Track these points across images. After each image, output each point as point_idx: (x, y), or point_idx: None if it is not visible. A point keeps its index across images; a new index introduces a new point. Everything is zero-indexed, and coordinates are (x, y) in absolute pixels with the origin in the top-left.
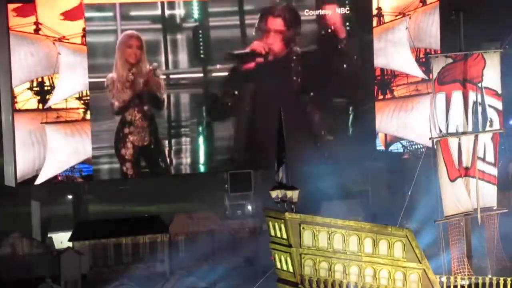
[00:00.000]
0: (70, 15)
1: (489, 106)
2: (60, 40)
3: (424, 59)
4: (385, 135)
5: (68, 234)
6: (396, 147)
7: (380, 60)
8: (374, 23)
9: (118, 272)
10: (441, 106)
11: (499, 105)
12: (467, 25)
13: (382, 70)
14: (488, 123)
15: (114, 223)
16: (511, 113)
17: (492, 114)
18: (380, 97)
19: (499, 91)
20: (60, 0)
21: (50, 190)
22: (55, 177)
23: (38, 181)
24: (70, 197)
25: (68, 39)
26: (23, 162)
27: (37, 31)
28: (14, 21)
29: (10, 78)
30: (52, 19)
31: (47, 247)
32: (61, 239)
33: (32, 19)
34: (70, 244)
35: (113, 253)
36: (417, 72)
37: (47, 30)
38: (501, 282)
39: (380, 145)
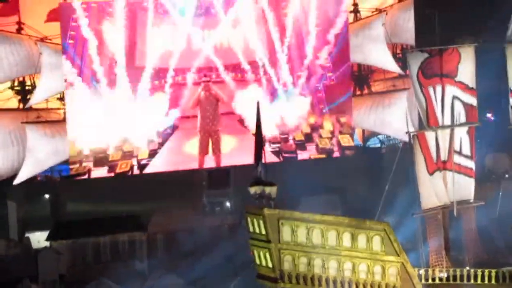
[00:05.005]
0: (52, 15)
1: (463, 100)
2: (42, 40)
3: (400, 55)
4: (363, 130)
5: (45, 234)
6: (373, 142)
7: (357, 56)
8: (351, 19)
9: (97, 271)
10: (421, 101)
11: (473, 99)
12: (443, 20)
13: (359, 65)
14: (464, 117)
15: (92, 223)
16: (489, 107)
17: (466, 108)
18: (358, 92)
19: (474, 86)
20: (43, 0)
21: (28, 190)
22: (34, 177)
23: (16, 181)
24: (47, 196)
25: (50, 40)
26: (2, 162)
27: (19, 30)
28: None
29: None
30: (35, 20)
31: (24, 247)
32: (39, 238)
33: (14, 18)
34: (47, 243)
35: (91, 252)
36: (394, 67)
37: (29, 30)
38: (479, 274)
39: (358, 140)
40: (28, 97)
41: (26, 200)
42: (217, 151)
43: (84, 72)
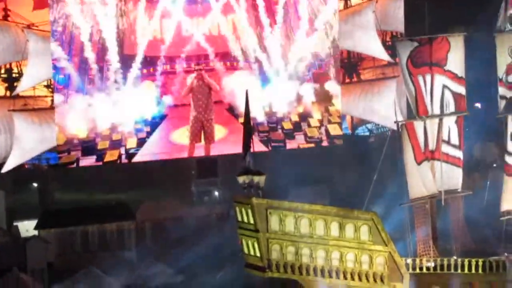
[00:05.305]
0: (39, 2)
1: (452, 89)
2: (29, 27)
3: (390, 43)
4: (352, 118)
5: (34, 223)
6: (362, 131)
7: (347, 43)
8: (341, 6)
9: (85, 260)
10: (411, 90)
11: (462, 88)
12: (432, 9)
13: (348, 52)
14: (453, 106)
15: (81, 211)
16: (478, 97)
17: (455, 97)
18: (347, 80)
19: (463, 75)
20: None
21: (16, 179)
22: (22, 165)
23: (4, 169)
24: (36, 185)
25: (37, 26)
26: None
27: (5, 17)
28: None
29: None
30: (22, 7)
31: (13, 236)
32: (27, 227)
33: (1, 5)
34: (36, 232)
35: (80, 241)
36: (383, 55)
37: (16, 17)
38: (466, 263)
39: (347, 129)
40: (15, 84)
41: (14, 189)
42: (210, 139)
43: (73, 60)
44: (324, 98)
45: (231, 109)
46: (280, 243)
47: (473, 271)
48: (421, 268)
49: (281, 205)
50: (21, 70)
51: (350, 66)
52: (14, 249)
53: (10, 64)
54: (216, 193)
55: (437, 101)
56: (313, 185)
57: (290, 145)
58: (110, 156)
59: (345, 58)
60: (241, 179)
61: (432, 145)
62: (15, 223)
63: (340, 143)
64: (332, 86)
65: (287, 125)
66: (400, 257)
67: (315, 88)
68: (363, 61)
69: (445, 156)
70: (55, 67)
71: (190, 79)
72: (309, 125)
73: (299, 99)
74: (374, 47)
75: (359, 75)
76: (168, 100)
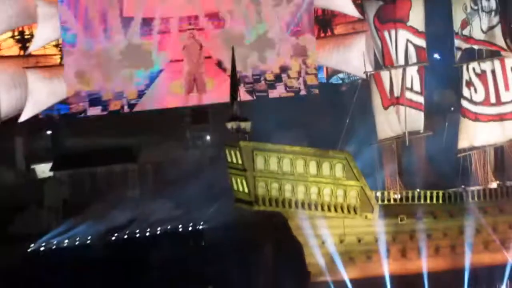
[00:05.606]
0: None
1: (414, 43)
2: None
3: (360, 1)
4: (326, 68)
5: (49, 165)
6: (336, 80)
7: (321, 2)
8: None
9: (94, 197)
10: (377, 43)
11: (423, 41)
12: None
13: (323, 10)
14: (415, 58)
15: (90, 155)
16: (436, 48)
17: (417, 49)
18: (322, 35)
19: (423, 30)
20: None
21: (32, 127)
22: (36, 115)
23: (20, 120)
24: (49, 133)
25: None
26: (6, 103)
27: None
28: None
29: None
30: None
31: (31, 177)
32: (43, 169)
33: None
34: (51, 174)
35: (89, 180)
36: (353, 12)
37: None
38: (428, 195)
39: (323, 77)
40: (27, 45)
41: (30, 136)
42: (202, 90)
43: (79, 21)
44: (301, 52)
45: (219, 64)
46: (265, 180)
47: (435, 201)
48: (389, 200)
49: (266, 147)
50: (32, 32)
51: (325, 22)
52: (32, 189)
53: (23, 27)
54: (208, 138)
55: (401, 53)
56: (293, 129)
57: (272, 94)
58: (114, 106)
59: (320, 15)
60: (230, 125)
61: (397, 92)
62: (32, 166)
63: (316, 92)
64: (308, 40)
65: (269, 77)
66: (371, 190)
67: (293, 43)
68: (335, 18)
69: (409, 102)
70: (63, 28)
71: (183, 38)
72: (288, 76)
73: (279, 53)
74: (345, 5)
75: (332, 30)
76: (164, 56)
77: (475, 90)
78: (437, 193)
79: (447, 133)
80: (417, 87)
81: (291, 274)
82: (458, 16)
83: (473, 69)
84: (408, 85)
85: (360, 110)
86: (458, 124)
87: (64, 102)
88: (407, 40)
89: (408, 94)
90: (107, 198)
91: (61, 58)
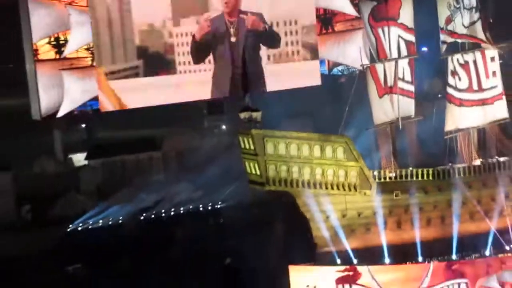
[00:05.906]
0: None
1: (404, 38)
2: (70, 3)
3: (357, 1)
4: (328, 61)
5: (84, 155)
6: (336, 72)
7: (323, 2)
8: None
9: (125, 182)
10: (372, 39)
11: (412, 37)
12: None
13: (324, 10)
14: (405, 51)
15: (120, 145)
16: (424, 43)
17: (407, 44)
18: (324, 31)
19: (412, 26)
20: None
21: (68, 122)
22: (72, 111)
23: (59, 115)
24: (84, 126)
25: (76, 3)
26: (46, 101)
27: None
28: None
29: (30, 35)
30: None
31: (68, 165)
32: (79, 159)
33: None
34: (86, 162)
35: (120, 167)
36: (351, 11)
37: None
38: (419, 172)
39: (325, 70)
40: (62, 49)
41: (67, 130)
42: None
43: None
44: (304, 47)
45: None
46: (275, 163)
47: (425, 178)
48: (385, 178)
49: (275, 134)
50: (66, 37)
51: (326, 20)
52: (70, 176)
53: (58, 34)
54: (224, 127)
55: (393, 47)
56: (299, 117)
57: None
58: None
59: (322, 14)
60: (242, 115)
61: (390, 82)
62: (69, 156)
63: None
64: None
65: None
66: (369, 170)
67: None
68: (336, 16)
69: (401, 90)
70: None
71: None
72: None
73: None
74: (344, 5)
75: (333, 27)
76: None
77: (460, 79)
78: (428, 171)
79: (435, 118)
80: (408, 77)
81: (299, 246)
82: (442, 13)
83: (457, 60)
84: (400, 75)
85: (358, 99)
86: (445, 109)
87: (95, 99)
88: (399, 36)
89: (400, 84)
90: (135, 183)
91: (93, 60)
